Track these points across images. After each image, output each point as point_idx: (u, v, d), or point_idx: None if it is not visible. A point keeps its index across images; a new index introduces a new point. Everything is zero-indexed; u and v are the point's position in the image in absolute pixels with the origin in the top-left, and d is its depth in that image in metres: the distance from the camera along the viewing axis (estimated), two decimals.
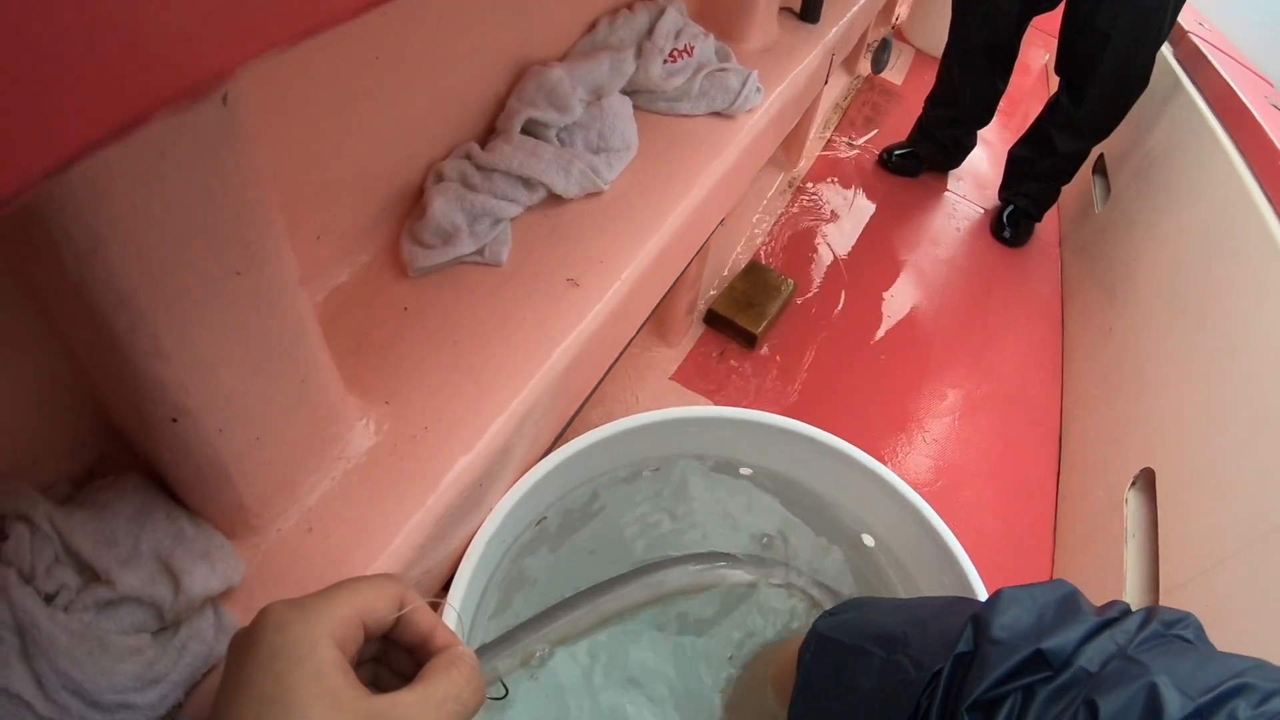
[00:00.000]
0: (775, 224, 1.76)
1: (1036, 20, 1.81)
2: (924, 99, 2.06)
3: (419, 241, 0.71)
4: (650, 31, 0.95)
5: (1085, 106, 1.75)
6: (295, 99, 0.57)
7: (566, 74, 0.83)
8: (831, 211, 1.87)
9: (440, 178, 0.74)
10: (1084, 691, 0.42)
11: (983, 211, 2.07)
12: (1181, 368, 1.23)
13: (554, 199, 0.79)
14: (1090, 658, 0.44)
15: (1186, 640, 0.45)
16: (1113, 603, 0.49)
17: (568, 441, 0.73)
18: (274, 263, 0.43)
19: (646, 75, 0.93)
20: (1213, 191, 1.43)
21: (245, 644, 0.37)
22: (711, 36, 1.03)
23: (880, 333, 1.61)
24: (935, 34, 2.37)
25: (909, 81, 2.55)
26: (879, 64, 2.31)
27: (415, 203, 0.75)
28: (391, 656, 0.45)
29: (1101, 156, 2.05)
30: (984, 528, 1.30)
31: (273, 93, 0.55)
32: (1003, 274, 1.89)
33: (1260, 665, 0.41)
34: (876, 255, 1.81)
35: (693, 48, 0.97)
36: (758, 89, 1.01)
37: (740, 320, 1.42)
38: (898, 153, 2.08)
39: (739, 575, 0.81)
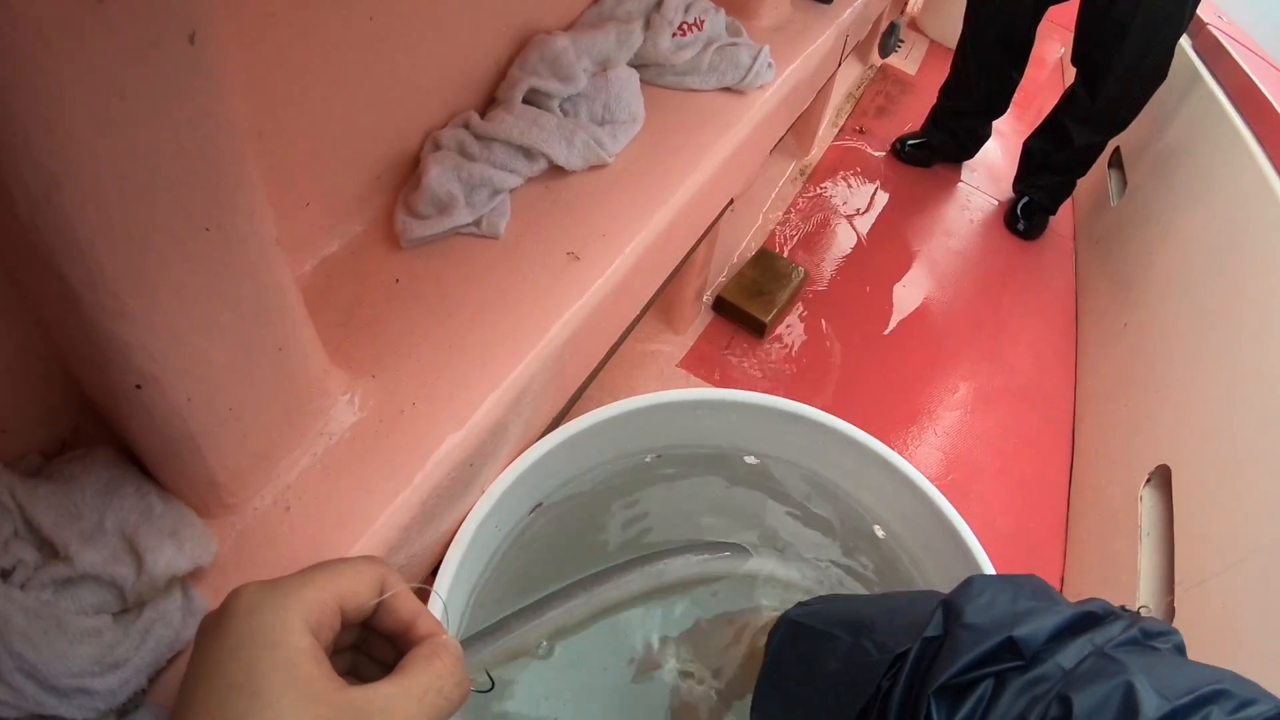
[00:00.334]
0: (786, 212, 1.73)
1: (1052, 11, 1.78)
2: (937, 89, 2.03)
3: (413, 211, 0.68)
4: (659, 3, 0.92)
5: (1102, 99, 1.71)
6: (282, 56, 0.54)
7: (571, 44, 0.80)
8: (843, 201, 1.84)
9: (437, 146, 0.71)
10: (1058, 685, 0.41)
11: (997, 203, 2.04)
12: (1198, 363, 1.20)
13: (556, 171, 0.76)
14: (1067, 655, 0.43)
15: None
16: (1091, 599, 0.48)
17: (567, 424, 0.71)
18: (248, 220, 0.40)
19: (655, 48, 0.89)
20: (1232, 185, 1.41)
21: (214, 628, 0.35)
22: (722, 11, 0.99)
23: (892, 323, 1.58)
24: (949, 24, 2.35)
25: (922, 72, 2.52)
26: (886, 48, 2.28)
27: (411, 172, 0.72)
28: (372, 644, 0.42)
29: (1118, 149, 2.02)
30: (995, 523, 1.28)
31: (257, 49, 0.52)
32: (1016, 267, 1.86)
33: (1238, 676, 0.41)
34: (889, 245, 1.78)
35: (703, 21, 0.94)
36: (769, 65, 0.98)
37: (749, 308, 1.40)
38: (911, 143, 2.06)
39: (745, 566, 0.78)
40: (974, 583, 0.49)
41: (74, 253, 0.34)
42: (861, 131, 2.11)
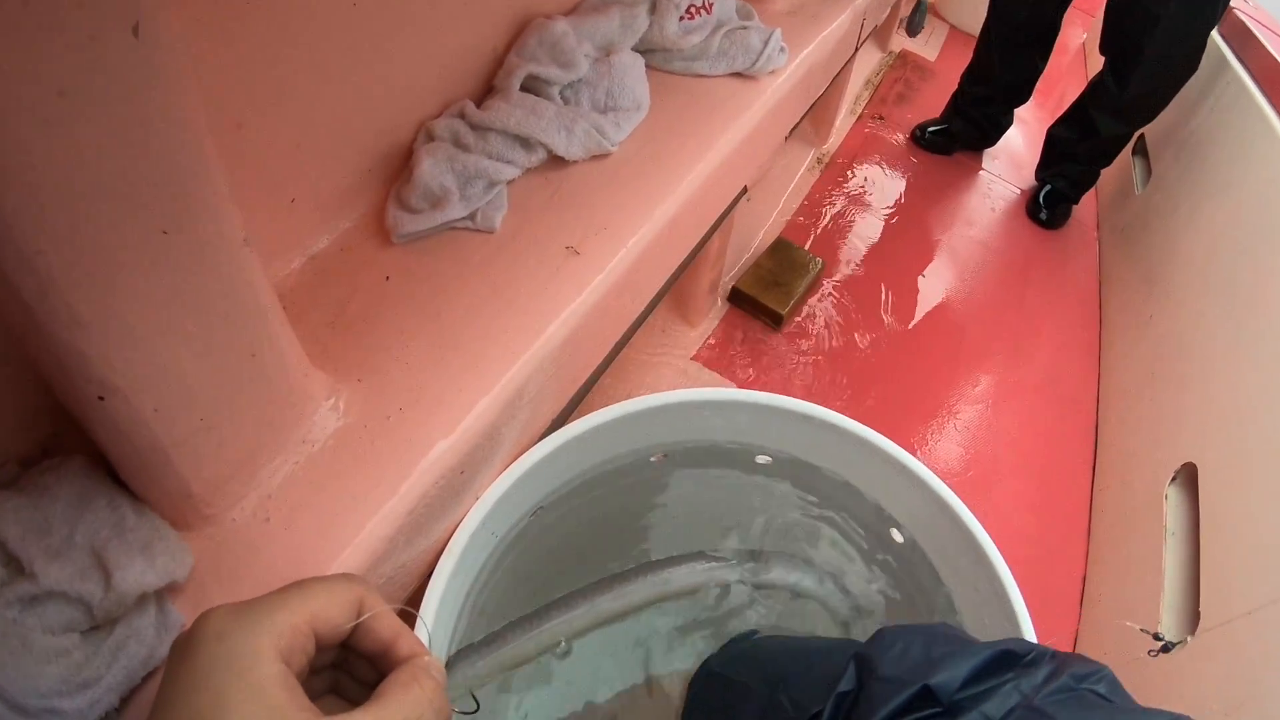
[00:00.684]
0: (804, 201, 1.70)
1: None
2: (958, 76, 1.99)
3: (405, 205, 0.65)
4: None
5: (1130, 90, 1.66)
6: (262, 43, 0.52)
7: (572, 28, 0.77)
8: (862, 189, 1.81)
9: (431, 137, 0.69)
10: None
11: (1019, 192, 1.99)
12: (1225, 358, 1.16)
13: (555, 161, 0.74)
14: (993, 707, 0.42)
15: (1100, 695, 0.43)
16: (1008, 638, 0.46)
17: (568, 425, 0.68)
18: (211, 221, 0.38)
19: (661, 32, 0.86)
20: (1260, 173, 1.36)
21: (183, 652, 0.34)
22: None
23: (910, 315, 1.55)
24: (970, 10, 2.31)
25: (943, 58, 2.47)
26: (914, 27, 2.24)
27: (404, 164, 0.70)
28: (353, 663, 0.41)
29: (1142, 136, 1.96)
30: (1015, 521, 1.24)
31: (233, 35, 0.49)
32: (1038, 257, 1.81)
33: (1177, 716, 0.40)
34: (908, 234, 1.74)
35: (711, 4, 0.90)
36: (781, 49, 0.94)
37: (766, 299, 1.37)
38: (931, 129, 2.01)
39: (752, 575, 0.76)
40: (885, 634, 0.49)
41: (20, 260, 0.32)
42: (881, 119, 2.06)
